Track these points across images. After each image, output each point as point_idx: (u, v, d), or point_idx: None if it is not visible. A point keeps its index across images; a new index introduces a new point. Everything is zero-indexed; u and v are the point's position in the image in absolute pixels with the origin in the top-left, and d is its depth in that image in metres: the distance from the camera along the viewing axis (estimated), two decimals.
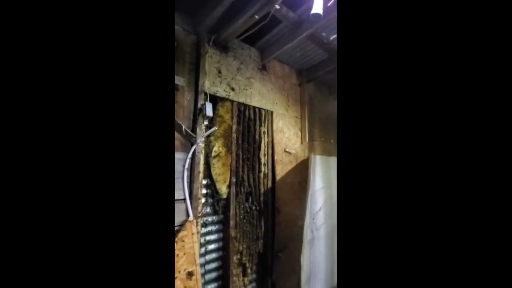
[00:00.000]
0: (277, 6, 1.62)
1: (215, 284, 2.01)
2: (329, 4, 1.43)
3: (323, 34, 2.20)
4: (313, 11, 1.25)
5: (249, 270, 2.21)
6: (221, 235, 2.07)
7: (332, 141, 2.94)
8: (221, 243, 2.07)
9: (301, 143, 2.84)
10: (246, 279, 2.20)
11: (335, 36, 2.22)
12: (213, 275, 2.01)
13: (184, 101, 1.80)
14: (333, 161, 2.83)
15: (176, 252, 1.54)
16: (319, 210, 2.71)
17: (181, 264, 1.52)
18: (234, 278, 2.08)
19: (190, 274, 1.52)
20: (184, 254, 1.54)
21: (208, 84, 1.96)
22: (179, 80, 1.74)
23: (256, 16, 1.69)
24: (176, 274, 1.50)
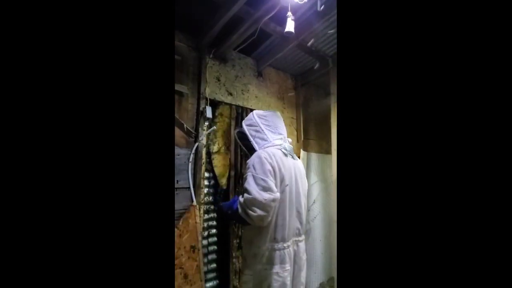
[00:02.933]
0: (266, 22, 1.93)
1: (216, 265, 2.31)
2: (300, 23, 1.74)
3: (310, 43, 2.48)
4: (286, 29, 1.55)
5: None
6: (221, 221, 2.37)
7: (325, 139, 3.17)
8: (221, 229, 2.37)
9: (297, 141, 3.10)
10: None
11: (321, 44, 2.50)
12: (214, 256, 2.31)
13: (188, 105, 2.15)
14: (327, 158, 3.06)
15: (182, 230, 1.86)
16: (313, 202, 2.94)
17: (186, 239, 1.84)
18: (234, 260, 2.36)
19: (193, 248, 1.83)
20: (188, 231, 1.85)
21: (209, 91, 2.30)
22: (183, 89, 2.09)
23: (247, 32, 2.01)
24: (182, 248, 1.81)
